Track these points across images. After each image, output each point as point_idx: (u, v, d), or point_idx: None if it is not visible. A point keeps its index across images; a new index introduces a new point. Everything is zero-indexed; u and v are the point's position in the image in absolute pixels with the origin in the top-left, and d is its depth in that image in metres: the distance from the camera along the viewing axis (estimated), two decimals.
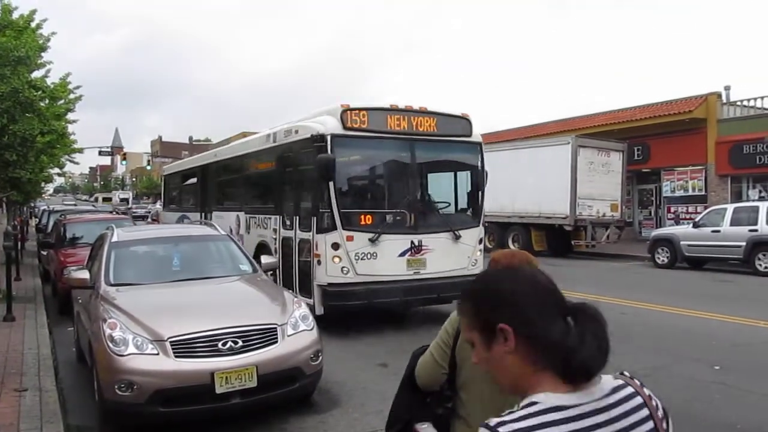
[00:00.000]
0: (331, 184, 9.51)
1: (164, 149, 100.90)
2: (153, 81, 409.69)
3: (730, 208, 18.92)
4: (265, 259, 8.41)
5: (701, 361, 8.04)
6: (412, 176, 10.38)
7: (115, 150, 59.22)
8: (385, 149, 10.33)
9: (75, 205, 54.75)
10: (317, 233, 9.69)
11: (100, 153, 52.39)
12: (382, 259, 9.75)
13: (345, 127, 9.71)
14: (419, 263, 10.07)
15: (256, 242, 12.14)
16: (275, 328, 6.06)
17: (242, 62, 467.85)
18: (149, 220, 44.47)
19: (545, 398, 1.39)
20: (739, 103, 25.35)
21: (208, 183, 16.76)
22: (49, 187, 77.47)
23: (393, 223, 10.09)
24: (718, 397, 6.73)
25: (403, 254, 9.92)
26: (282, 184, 11.39)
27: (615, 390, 1.47)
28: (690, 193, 26.02)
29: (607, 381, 1.49)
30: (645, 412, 1.47)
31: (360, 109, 9.89)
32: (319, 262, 9.64)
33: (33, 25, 16.48)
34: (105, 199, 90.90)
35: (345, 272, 9.56)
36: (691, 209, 25.23)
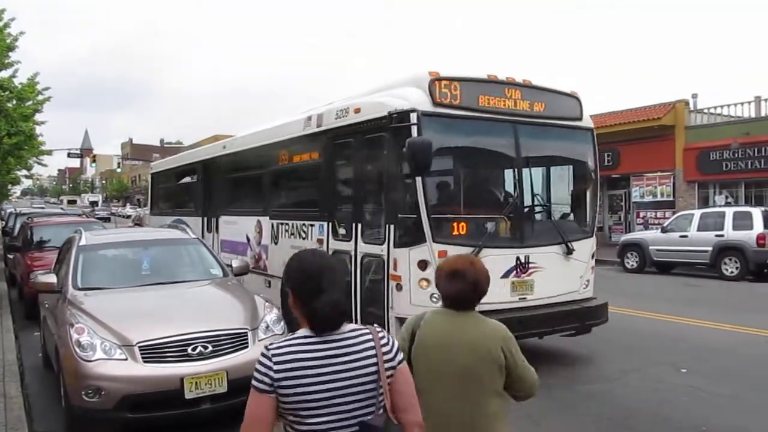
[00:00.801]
0: (419, 180, 7.11)
1: (135, 151, 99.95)
2: (124, 83, 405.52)
3: (698, 213, 19.27)
4: (236, 262, 8.33)
5: (669, 364, 8.15)
6: (517, 171, 7.91)
7: (85, 152, 58.62)
8: (482, 134, 7.89)
9: (43, 208, 53.82)
10: (397, 247, 7.30)
11: (69, 155, 51.77)
12: None
13: (435, 103, 7.35)
14: (526, 286, 7.70)
15: (290, 256, 10.14)
16: (246, 332, 6.01)
17: (216, 66, 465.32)
18: (131, 224, 42.97)
19: (303, 332, 2.27)
20: (706, 111, 25.80)
21: (213, 181, 13.62)
22: (16, 190, 76.26)
23: (494, 234, 7.72)
24: (685, 399, 6.83)
25: (506, 275, 7.51)
26: (332, 180, 8.93)
27: (353, 330, 2.30)
28: (658, 198, 26.40)
29: (349, 326, 2.31)
30: (371, 344, 2.27)
31: (452, 80, 7.50)
32: (398, 287, 7.26)
33: (0, 24, 16.22)
34: (70, 202, 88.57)
35: (435, 301, 6.67)
36: (659, 214, 25.59)
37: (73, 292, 6.72)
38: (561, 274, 8.01)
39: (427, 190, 7.21)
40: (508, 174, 8.23)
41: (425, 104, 7.29)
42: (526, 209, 8.08)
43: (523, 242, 7.73)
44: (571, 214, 9.04)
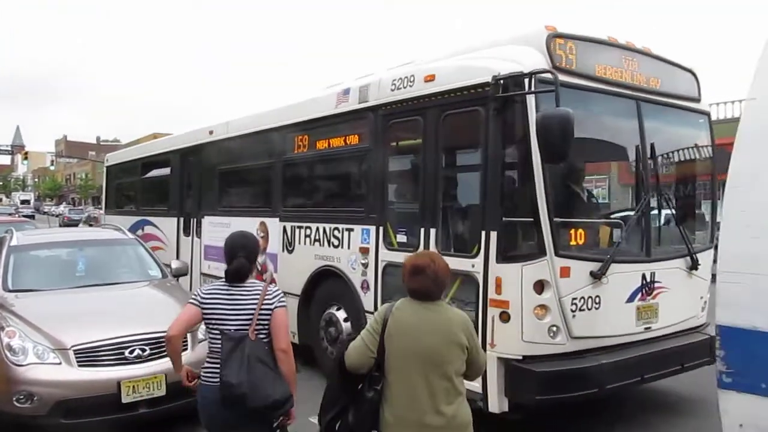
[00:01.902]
0: (538, 170, 5.29)
1: (70, 149, 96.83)
2: (59, 79, 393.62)
3: None
4: (175, 263, 8.18)
5: None
6: (641, 162, 6.21)
7: (16, 149, 56.85)
8: (603, 113, 6.25)
9: None
10: (501, 262, 5.43)
11: None
12: (605, 307, 5.66)
13: (554, 67, 5.48)
14: (651, 312, 6.07)
15: (314, 267, 7.66)
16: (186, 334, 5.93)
17: (155, 62, 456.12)
18: (80, 225, 39.99)
19: (222, 281, 3.89)
20: None
21: (195, 174, 11.23)
22: None
23: (620, 244, 5.96)
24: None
25: (631, 298, 5.90)
26: (385, 171, 6.87)
27: (252, 284, 3.85)
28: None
29: (251, 281, 3.90)
30: (258, 293, 3.78)
31: (569, 38, 5.72)
32: (504, 317, 5.38)
33: None
34: None
35: (553, 334, 5.39)
36: None
37: (3, 294, 6.54)
38: (684, 295, 6.47)
39: (548, 184, 5.32)
40: (632, 166, 6.51)
41: (544, 68, 5.43)
42: (653, 212, 6.32)
43: (649, 255, 6.09)
44: (691, 218, 7.29)
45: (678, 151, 7.11)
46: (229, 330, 3.70)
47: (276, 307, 3.79)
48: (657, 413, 6.64)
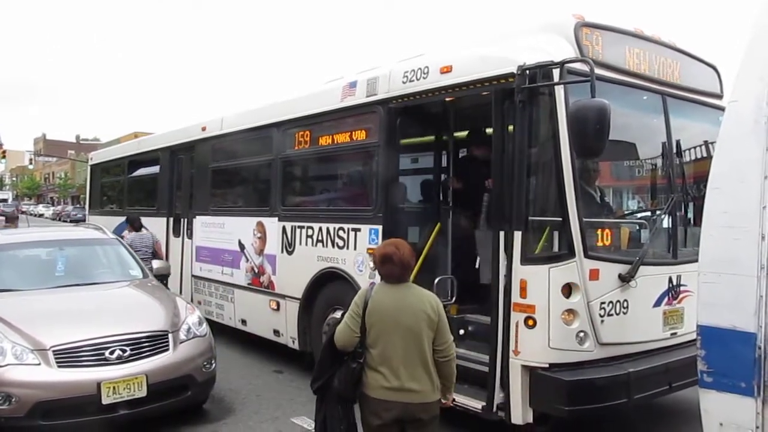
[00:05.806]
0: (568, 166, 4.98)
1: (49, 148, 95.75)
2: (37, 75, 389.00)
3: None
4: (156, 263, 8.12)
5: None
6: (668, 159, 5.96)
7: None
8: (630, 107, 5.86)
9: None
10: (526, 264, 5.12)
11: None
12: (632, 312, 5.40)
13: (583, 57, 5.20)
14: (676, 317, 5.79)
15: (316, 270, 7.29)
16: (166, 334, 5.90)
17: (135, 60, 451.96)
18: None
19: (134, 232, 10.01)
20: None
21: (187, 172, 10.79)
22: None
23: (648, 245, 5.70)
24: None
25: (658, 302, 5.65)
26: (395, 168, 6.54)
27: (144, 231, 9.97)
28: None
29: (144, 230, 10.05)
30: (149, 235, 9.99)
31: (597, 27, 5.44)
32: (529, 322, 5.08)
33: None
34: None
35: (581, 341, 5.11)
36: None
37: None
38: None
39: (578, 181, 5.01)
40: (659, 163, 6.22)
41: (577, 57, 5.18)
42: (681, 211, 6.08)
43: (676, 257, 5.82)
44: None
45: (702, 148, 6.68)
46: (147, 251, 9.17)
47: (155, 241, 9.57)
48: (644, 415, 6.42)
